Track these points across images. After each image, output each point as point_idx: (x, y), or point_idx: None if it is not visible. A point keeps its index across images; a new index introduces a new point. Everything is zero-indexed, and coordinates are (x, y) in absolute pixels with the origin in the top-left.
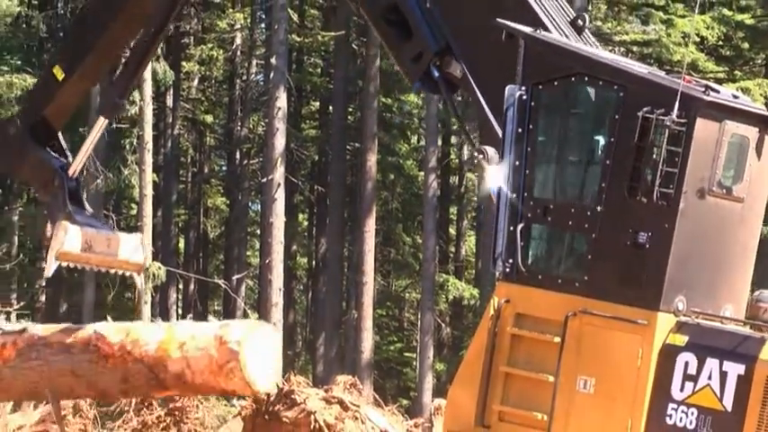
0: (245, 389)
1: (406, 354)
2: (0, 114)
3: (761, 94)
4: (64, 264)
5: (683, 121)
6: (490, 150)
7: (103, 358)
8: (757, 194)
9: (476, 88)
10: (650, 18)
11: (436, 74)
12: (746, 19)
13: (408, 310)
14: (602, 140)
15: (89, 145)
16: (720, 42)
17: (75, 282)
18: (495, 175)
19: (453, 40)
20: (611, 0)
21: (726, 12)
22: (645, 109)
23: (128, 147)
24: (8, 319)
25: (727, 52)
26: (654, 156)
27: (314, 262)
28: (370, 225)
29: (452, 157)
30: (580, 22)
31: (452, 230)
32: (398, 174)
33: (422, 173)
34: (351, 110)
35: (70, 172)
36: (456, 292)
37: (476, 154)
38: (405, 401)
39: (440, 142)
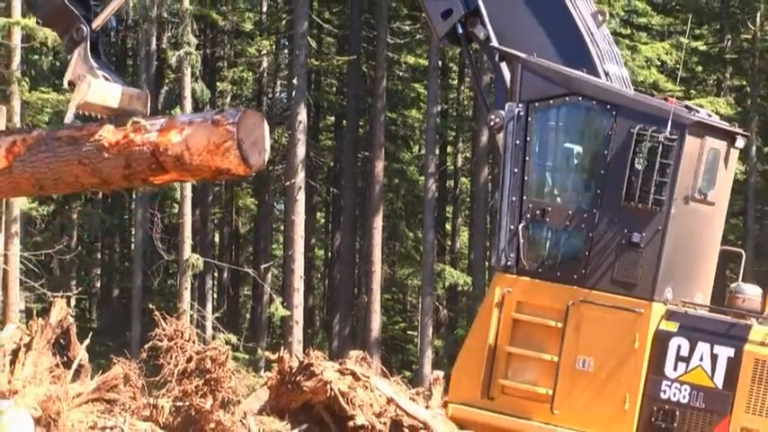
0: (239, 166)
1: (409, 332)
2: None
3: (712, 110)
4: (81, 112)
5: (674, 137)
6: (504, 116)
7: (109, 146)
8: (722, 198)
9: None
10: (618, 45)
11: (460, 31)
12: (700, 46)
13: (411, 294)
14: (594, 152)
15: (115, 5)
16: (677, 66)
17: (126, 270)
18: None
19: (484, 8)
20: None
21: (682, 39)
22: (638, 126)
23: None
24: (69, 303)
25: (684, 74)
26: (647, 167)
27: (330, 253)
28: (378, 222)
29: (448, 164)
30: (600, 17)
31: (448, 227)
32: (402, 178)
33: (422, 177)
34: (361, 123)
35: (93, 25)
36: (451, 280)
37: (492, 116)
38: (408, 373)
39: (437, 151)
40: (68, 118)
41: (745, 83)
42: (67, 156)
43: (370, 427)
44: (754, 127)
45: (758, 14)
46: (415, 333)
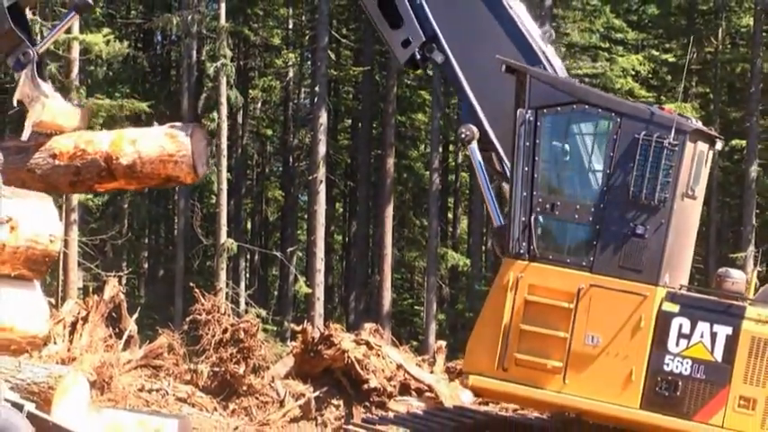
0: (188, 175)
1: (416, 307)
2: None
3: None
4: (36, 130)
5: (676, 143)
6: (474, 129)
7: (60, 155)
8: (702, 193)
9: (459, 73)
10: (597, 57)
11: (418, 56)
12: (669, 58)
13: (417, 274)
14: (600, 154)
15: (60, 30)
16: (650, 75)
17: (170, 253)
18: (475, 149)
19: (441, 35)
20: (569, 43)
21: (654, 52)
22: (643, 133)
23: (209, 153)
24: (120, 282)
25: (655, 82)
26: (652, 168)
27: (347, 239)
28: (389, 211)
29: (450, 160)
30: (548, 36)
31: (450, 215)
32: (410, 173)
33: (427, 172)
34: (374, 125)
35: (39, 50)
36: (453, 261)
37: (462, 130)
38: (415, 343)
39: (441, 149)
40: (25, 136)
41: (708, 90)
42: (16, 163)
43: (382, 389)
44: (716, 128)
45: (720, 31)
46: (421, 308)
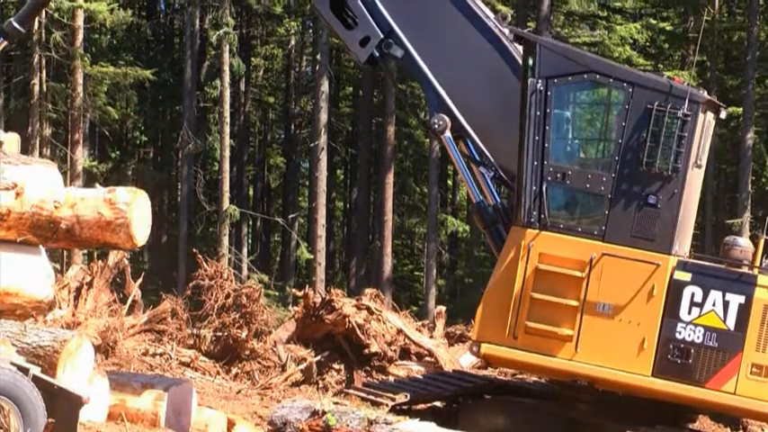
0: (128, 242)
1: (416, 273)
2: (117, 97)
3: None
4: None
5: (689, 113)
6: (445, 118)
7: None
8: (705, 161)
9: (422, 64)
10: (596, 25)
11: (377, 54)
12: (666, 26)
13: (417, 240)
14: (610, 123)
15: None
16: (648, 43)
17: (174, 219)
18: (449, 138)
19: (399, 29)
20: (568, 12)
21: (651, 21)
22: (657, 103)
23: (212, 120)
24: None
25: (653, 51)
26: (666, 138)
27: (348, 205)
28: (390, 178)
29: None
30: (503, 19)
31: (450, 182)
32: (410, 140)
33: (427, 140)
34: (375, 93)
35: None
36: (452, 228)
37: (434, 120)
38: (415, 308)
39: None
40: None
41: (705, 58)
42: None
43: (382, 353)
44: (713, 96)
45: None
46: (421, 273)
